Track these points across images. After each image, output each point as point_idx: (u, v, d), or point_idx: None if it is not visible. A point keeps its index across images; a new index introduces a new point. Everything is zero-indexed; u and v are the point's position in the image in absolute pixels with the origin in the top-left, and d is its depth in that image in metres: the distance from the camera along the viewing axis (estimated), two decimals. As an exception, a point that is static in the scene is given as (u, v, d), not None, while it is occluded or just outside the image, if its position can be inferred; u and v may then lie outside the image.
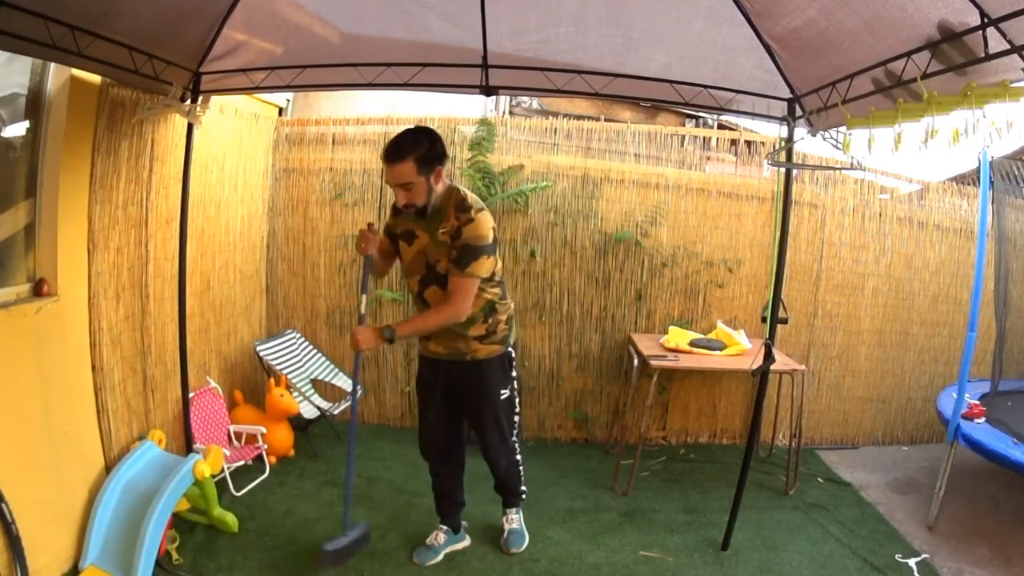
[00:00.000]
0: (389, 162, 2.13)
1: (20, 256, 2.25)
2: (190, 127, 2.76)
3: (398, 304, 4.10)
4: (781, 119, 2.71)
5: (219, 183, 3.49)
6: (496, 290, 2.36)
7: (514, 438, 2.59)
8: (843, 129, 2.42)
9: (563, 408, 4.19)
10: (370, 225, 2.32)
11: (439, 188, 2.22)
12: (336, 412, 3.63)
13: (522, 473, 2.73)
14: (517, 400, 2.57)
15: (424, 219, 2.25)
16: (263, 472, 3.18)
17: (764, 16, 2.19)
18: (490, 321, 2.35)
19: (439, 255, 2.23)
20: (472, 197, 2.25)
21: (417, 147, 2.13)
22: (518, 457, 2.67)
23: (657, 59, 2.61)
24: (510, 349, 2.47)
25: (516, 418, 2.58)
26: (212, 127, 3.33)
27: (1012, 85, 1.69)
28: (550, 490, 3.35)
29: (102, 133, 2.46)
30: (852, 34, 1.98)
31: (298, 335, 3.98)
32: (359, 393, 3.89)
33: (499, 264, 2.34)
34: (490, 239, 2.21)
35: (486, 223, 2.21)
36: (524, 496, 2.80)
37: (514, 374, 2.50)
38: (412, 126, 2.30)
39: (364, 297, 2.41)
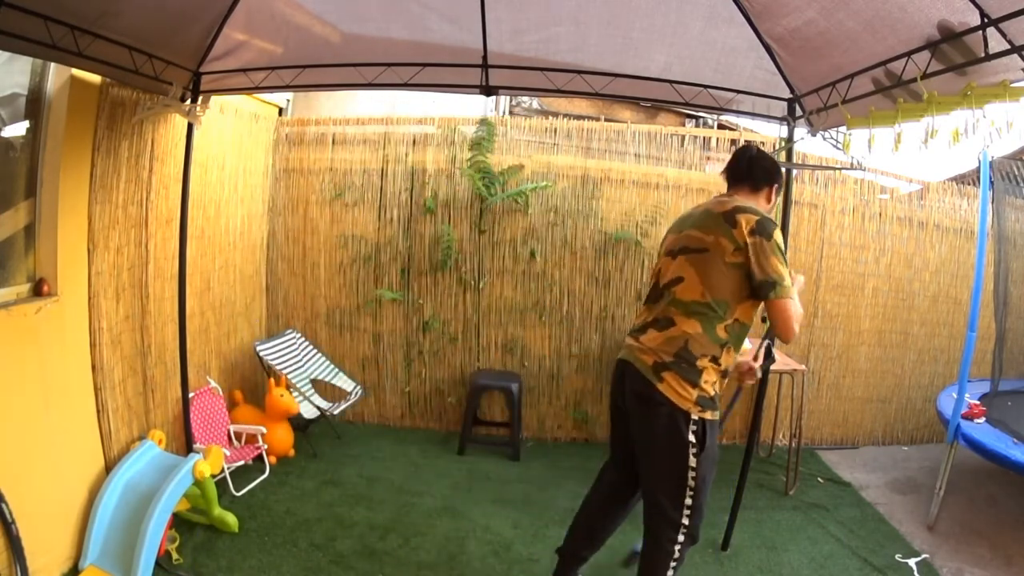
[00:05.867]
0: None
1: (20, 256, 2.25)
2: (190, 127, 2.77)
3: (398, 304, 4.10)
4: (781, 119, 2.71)
5: (219, 183, 3.49)
6: None
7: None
8: (843, 129, 2.43)
9: (563, 408, 4.19)
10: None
11: None
12: (336, 412, 3.62)
13: None
14: None
15: None
16: (263, 472, 3.18)
17: (764, 16, 2.19)
18: None
19: None
20: None
21: None
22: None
23: (657, 59, 2.61)
24: None
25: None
26: (212, 127, 3.33)
27: (1012, 85, 1.69)
28: (550, 490, 3.35)
29: (102, 133, 2.46)
30: (852, 34, 1.99)
31: (298, 335, 3.98)
32: (359, 395, 3.90)
33: None
34: None
35: None
36: None
37: None
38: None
39: None
